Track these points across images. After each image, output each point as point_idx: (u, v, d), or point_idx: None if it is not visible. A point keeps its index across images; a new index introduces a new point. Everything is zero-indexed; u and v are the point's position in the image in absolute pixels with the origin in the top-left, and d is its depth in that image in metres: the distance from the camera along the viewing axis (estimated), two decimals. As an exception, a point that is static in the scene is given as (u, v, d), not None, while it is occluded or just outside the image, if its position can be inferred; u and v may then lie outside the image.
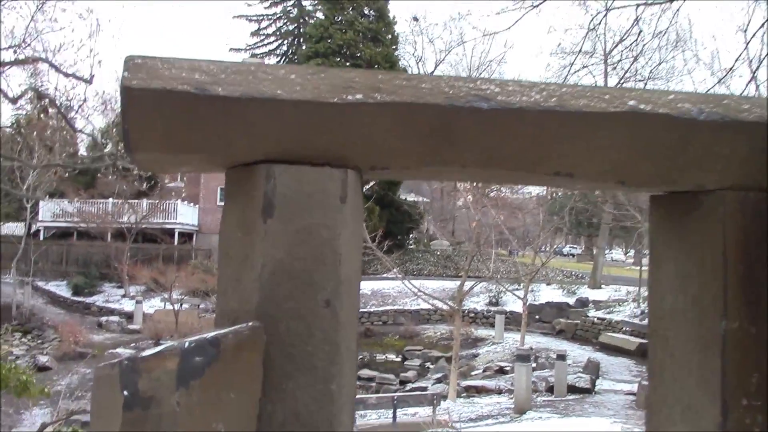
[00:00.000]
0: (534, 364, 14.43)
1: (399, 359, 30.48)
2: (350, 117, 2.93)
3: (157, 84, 2.69)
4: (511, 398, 16.41)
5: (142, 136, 2.84)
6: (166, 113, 2.78)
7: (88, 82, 19.49)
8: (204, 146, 3.06)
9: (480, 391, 18.00)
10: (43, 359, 22.38)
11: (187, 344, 3.34)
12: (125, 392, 3.18)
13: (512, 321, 28.45)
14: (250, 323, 3.65)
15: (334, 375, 3.82)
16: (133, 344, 24.54)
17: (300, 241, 3.58)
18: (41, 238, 38.30)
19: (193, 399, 3.24)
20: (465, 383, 18.35)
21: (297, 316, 3.82)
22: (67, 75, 19.42)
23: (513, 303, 30.28)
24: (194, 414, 3.27)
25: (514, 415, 12.90)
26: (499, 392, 17.67)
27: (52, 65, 19.33)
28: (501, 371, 21.62)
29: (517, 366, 13.47)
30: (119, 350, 23.11)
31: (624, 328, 25.96)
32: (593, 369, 18.39)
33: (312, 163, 3.50)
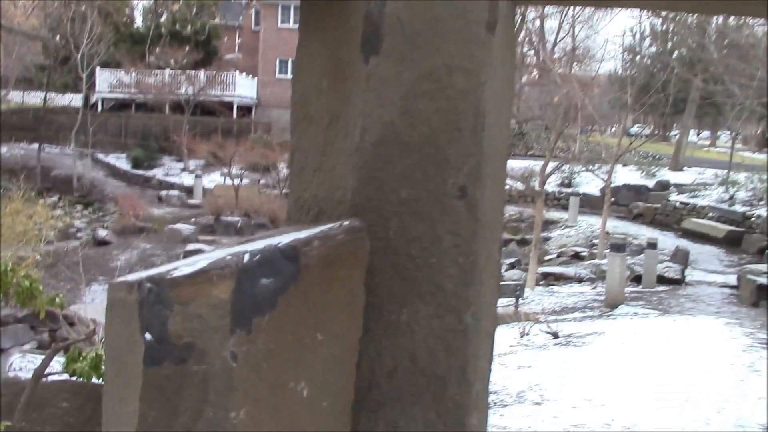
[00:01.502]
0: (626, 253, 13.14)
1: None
2: None
3: None
4: (594, 287, 15.27)
5: None
6: None
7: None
8: None
9: (558, 278, 16.88)
10: (102, 233, 22.00)
11: (247, 257, 2.05)
12: (147, 335, 1.83)
13: (585, 203, 26.97)
14: (345, 222, 2.34)
15: (469, 301, 2.52)
16: (193, 219, 23.96)
17: (422, 92, 2.48)
18: (99, 110, 37.62)
19: (258, 347, 1.98)
20: (541, 270, 17.21)
21: (416, 212, 2.43)
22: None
23: (587, 185, 28.72)
24: (260, 370, 2.01)
25: (604, 309, 11.78)
26: (580, 281, 16.55)
27: None
28: (577, 257, 20.41)
29: (611, 256, 12.23)
30: (179, 225, 22.57)
31: (710, 214, 24.22)
32: (682, 258, 17.02)
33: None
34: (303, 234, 2.16)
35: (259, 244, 2.10)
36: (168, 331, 1.91)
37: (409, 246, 2.44)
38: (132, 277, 2.05)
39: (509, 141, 2.83)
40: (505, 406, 4.98)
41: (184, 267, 1.97)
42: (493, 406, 4.94)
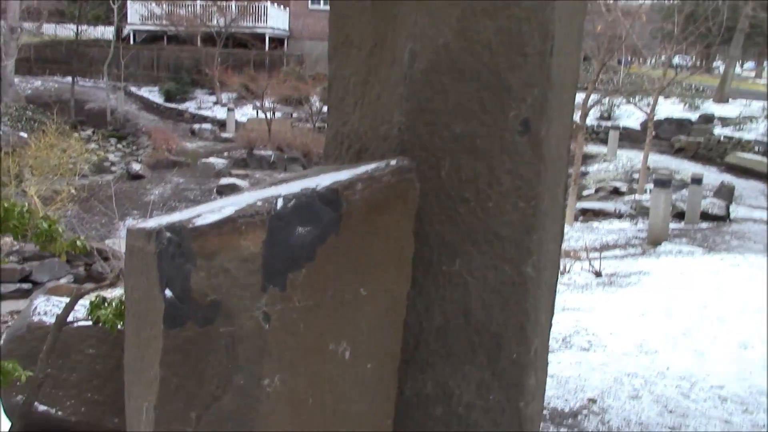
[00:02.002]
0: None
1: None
2: None
3: None
4: (635, 224, 14.85)
5: None
6: None
7: None
8: None
9: (598, 214, 16.41)
10: (136, 167, 21.91)
11: (280, 202, 1.77)
12: (167, 292, 1.54)
13: (624, 137, 26.17)
14: (392, 161, 2.05)
15: (530, 250, 2.23)
16: (226, 153, 23.73)
17: (482, 11, 2.17)
18: (131, 42, 37.17)
19: (294, 305, 1.72)
20: (580, 206, 16.75)
21: (471, 150, 2.10)
22: None
23: (626, 118, 27.84)
24: (296, 331, 1.75)
25: (646, 246, 11.40)
26: (619, 216, 16.08)
27: None
28: (615, 192, 19.84)
29: (655, 191, 11.75)
30: (212, 159, 22.35)
31: (757, 148, 23.32)
32: (727, 194, 16.43)
33: None
34: (344, 175, 1.88)
35: (294, 187, 1.83)
36: (191, 288, 1.66)
37: (463, 188, 2.15)
38: (152, 222, 1.79)
39: (578, 70, 2.49)
40: (552, 351, 4.73)
41: (208, 214, 1.71)
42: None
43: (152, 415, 1.75)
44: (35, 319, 3.47)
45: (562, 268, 9.32)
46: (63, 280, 13.08)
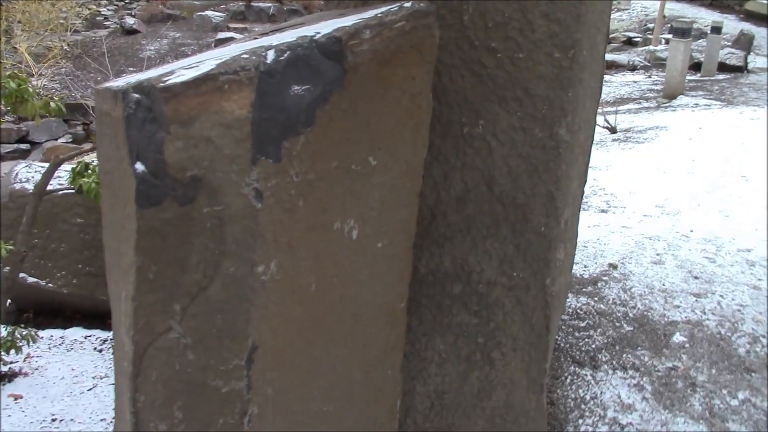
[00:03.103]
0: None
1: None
2: None
3: None
4: (649, 76, 14.30)
5: None
6: None
7: None
8: None
9: (610, 66, 15.75)
10: (130, 21, 20.97)
11: (271, 55, 1.45)
12: (138, 165, 1.21)
13: (640, -17, 24.95)
14: (405, 3, 1.71)
15: (564, 109, 1.92)
16: (222, 6, 22.66)
17: None
18: None
19: (291, 179, 1.44)
20: (591, 57, 16.04)
21: None
22: None
23: (641, -38, 26.38)
24: (295, 209, 1.47)
25: (661, 100, 10.93)
26: (633, 69, 15.45)
27: None
28: (629, 43, 19.02)
29: (673, 41, 11.09)
30: (208, 12, 21.37)
31: (778, -5, 22.23)
32: (745, 43, 15.69)
33: None
34: (349, 21, 1.55)
35: (288, 36, 1.50)
36: (165, 161, 1.38)
37: (489, 36, 1.81)
38: (120, 81, 1.49)
39: None
40: (583, 210, 4.52)
41: (183, 70, 1.40)
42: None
43: (130, 305, 1.51)
44: (17, 186, 3.23)
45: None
46: (61, 140, 12.82)
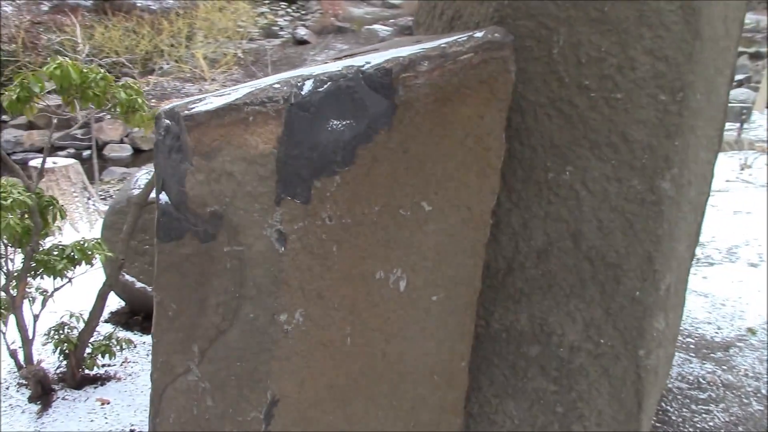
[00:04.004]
0: None
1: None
2: None
3: None
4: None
5: None
6: None
7: None
8: None
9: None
10: (302, 32, 21.83)
11: (308, 86, 1.31)
12: (163, 195, 1.10)
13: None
14: (477, 33, 1.53)
15: (669, 158, 1.67)
16: (392, 20, 23.11)
17: None
18: None
19: (323, 222, 1.30)
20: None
21: (598, 18, 1.47)
22: None
23: None
24: (327, 255, 1.32)
25: None
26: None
27: None
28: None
29: None
30: (377, 26, 21.85)
31: None
32: None
33: None
34: (407, 51, 1.39)
35: (338, 65, 1.37)
36: (186, 193, 1.28)
37: (581, 72, 1.60)
38: (179, 102, 1.42)
39: None
40: (711, 264, 4.07)
41: (214, 97, 1.30)
42: (695, 263, 4.06)
43: (153, 341, 1.43)
44: (135, 192, 3.31)
45: (743, 161, 8.25)
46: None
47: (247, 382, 1.39)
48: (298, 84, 1.29)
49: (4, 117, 11.34)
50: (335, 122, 1.30)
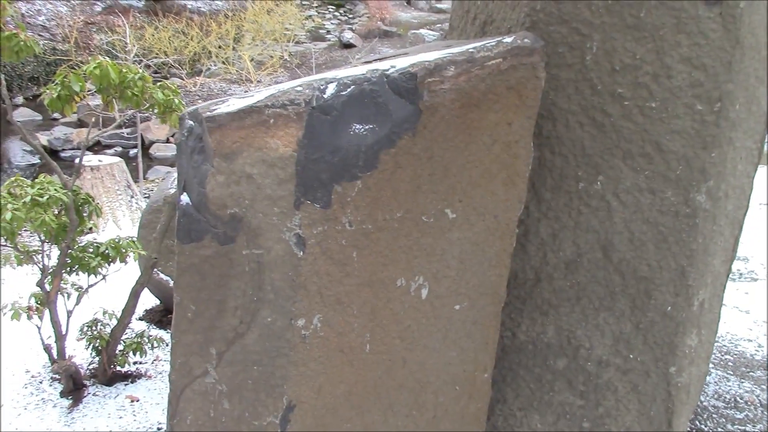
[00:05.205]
0: None
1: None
2: None
3: None
4: None
5: None
6: None
7: None
8: None
9: None
10: (348, 36, 21.94)
11: (331, 89, 1.29)
12: (183, 196, 1.09)
13: None
14: (506, 39, 1.49)
15: (705, 170, 1.62)
16: (438, 25, 23.07)
17: None
18: None
19: (343, 228, 1.29)
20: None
21: (633, 25, 1.43)
22: None
23: None
24: (346, 261, 1.31)
25: None
26: None
27: None
28: None
29: None
30: (423, 31, 21.84)
31: None
32: None
33: None
34: (433, 55, 1.37)
35: (363, 69, 1.36)
36: (207, 195, 1.28)
37: (615, 80, 1.56)
38: (204, 104, 1.42)
39: None
40: (755, 280, 3.95)
41: (237, 99, 1.29)
42: (738, 278, 3.95)
43: (172, 342, 1.43)
44: (172, 191, 3.34)
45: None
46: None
47: (264, 387, 1.38)
48: (321, 87, 1.28)
49: (55, 114, 11.58)
50: (358, 126, 1.29)
